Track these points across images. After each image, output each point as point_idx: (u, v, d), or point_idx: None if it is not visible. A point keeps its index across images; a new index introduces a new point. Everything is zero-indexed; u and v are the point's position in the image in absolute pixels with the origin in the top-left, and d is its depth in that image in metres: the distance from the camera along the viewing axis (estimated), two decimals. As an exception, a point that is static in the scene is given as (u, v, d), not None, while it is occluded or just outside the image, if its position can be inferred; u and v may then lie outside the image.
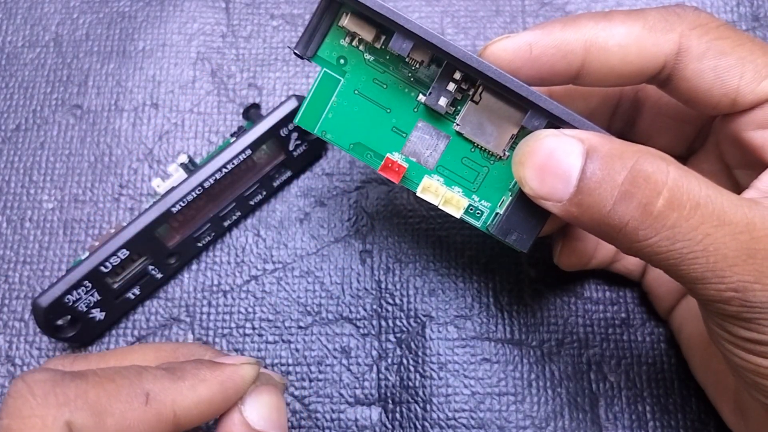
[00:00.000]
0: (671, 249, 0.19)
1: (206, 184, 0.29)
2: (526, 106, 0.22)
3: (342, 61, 0.23)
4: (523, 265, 0.32)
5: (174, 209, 0.29)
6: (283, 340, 0.31)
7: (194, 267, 0.32)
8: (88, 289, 0.28)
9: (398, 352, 0.30)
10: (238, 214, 0.32)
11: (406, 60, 0.23)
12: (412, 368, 0.30)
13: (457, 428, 0.29)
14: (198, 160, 0.32)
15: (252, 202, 0.32)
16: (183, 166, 0.31)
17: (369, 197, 0.33)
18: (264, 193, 0.32)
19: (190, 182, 0.29)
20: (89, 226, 0.33)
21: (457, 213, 0.23)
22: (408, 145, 0.24)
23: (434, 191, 0.23)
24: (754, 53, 0.22)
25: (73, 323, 0.29)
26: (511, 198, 0.23)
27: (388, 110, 0.24)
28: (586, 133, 0.21)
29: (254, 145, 0.30)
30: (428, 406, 0.30)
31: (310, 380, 0.30)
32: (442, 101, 0.23)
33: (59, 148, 0.34)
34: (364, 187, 0.33)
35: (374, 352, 0.30)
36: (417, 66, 0.23)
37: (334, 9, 0.23)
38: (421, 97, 0.23)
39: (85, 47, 0.36)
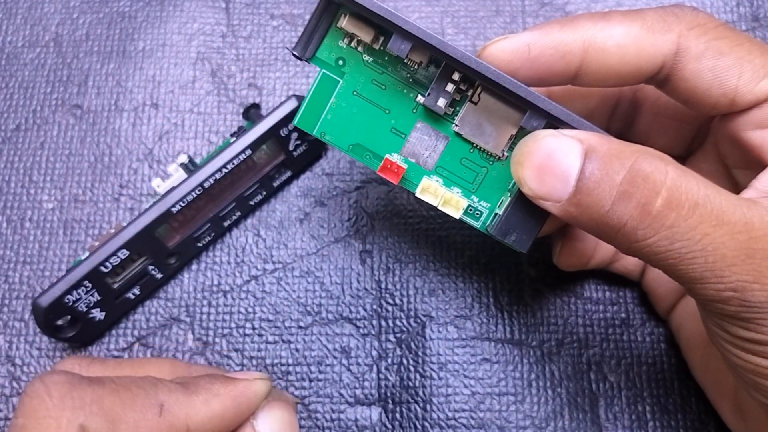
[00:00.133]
0: (670, 249, 0.19)
1: (206, 184, 0.29)
2: (525, 106, 0.22)
3: (341, 62, 0.23)
4: (523, 265, 0.32)
5: (174, 209, 0.29)
6: (283, 340, 0.31)
7: (194, 267, 0.32)
8: (88, 289, 0.28)
9: (398, 352, 0.30)
10: (238, 214, 0.32)
11: (405, 61, 0.23)
12: (412, 368, 0.30)
13: (457, 428, 0.29)
14: (198, 160, 0.32)
15: (252, 202, 0.32)
16: (183, 166, 0.31)
17: (369, 197, 0.33)
18: (264, 193, 0.32)
19: (190, 182, 0.29)
20: (89, 226, 0.33)
21: (457, 214, 0.23)
22: (407, 146, 0.24)
23: (433, 192, 0.23)
24: (753, 53, 0.22)
25: (73, 323, 0.29)
26: (510, 198, 0.23)
27: (387, 111, 0.24)
28: (584, 133, 0.21)
29: (254, 145, 0.30)
30: (428, 406, 0.30)
31: (310, 380, 0.30)
32: (441, 102, 0.23)
33: (59, 148, 0.34)
34: (364, 187, 0.33)
35: (374, 352, 0.31)
36: (416, 67, 0.23)
37: (333, 10, 0.23)
38: (420, 98, 0.23)
39: (85, 47, 0.36)
